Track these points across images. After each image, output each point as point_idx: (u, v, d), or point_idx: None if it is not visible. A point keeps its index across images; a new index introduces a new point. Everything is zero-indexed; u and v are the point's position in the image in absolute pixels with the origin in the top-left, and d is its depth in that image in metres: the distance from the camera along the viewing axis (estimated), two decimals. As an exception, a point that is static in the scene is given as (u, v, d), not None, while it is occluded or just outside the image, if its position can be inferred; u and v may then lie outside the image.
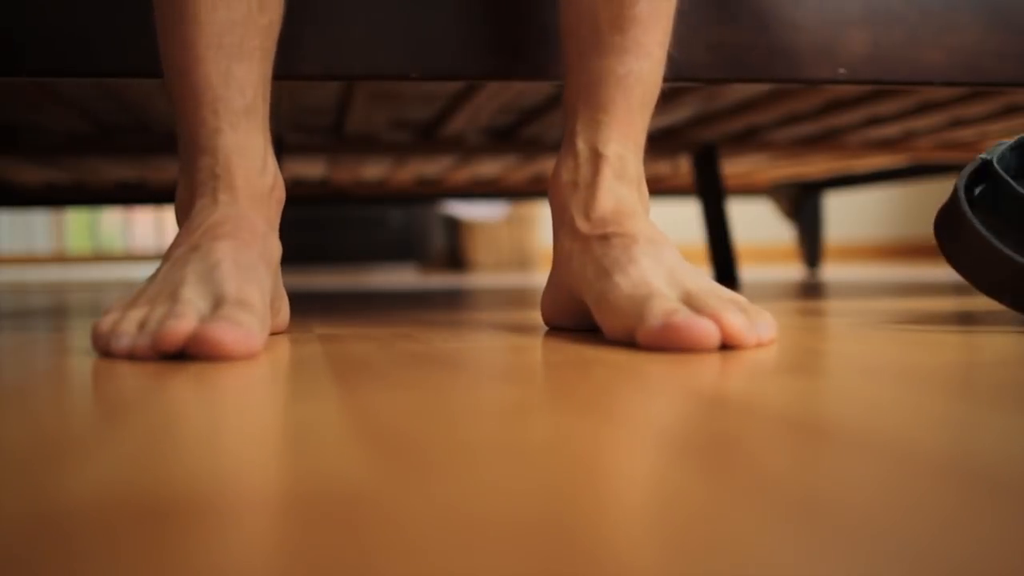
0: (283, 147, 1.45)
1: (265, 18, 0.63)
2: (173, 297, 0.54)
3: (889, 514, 0.20)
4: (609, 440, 0.28)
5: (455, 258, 3.71)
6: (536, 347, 0.56)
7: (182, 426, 0.32)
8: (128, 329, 0.53)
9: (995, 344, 0.53)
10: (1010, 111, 1.33)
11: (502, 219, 3.60)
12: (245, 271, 0.57)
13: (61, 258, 3.65)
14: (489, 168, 1.82)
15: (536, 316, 0.84)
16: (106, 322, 0.55)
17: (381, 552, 0.18)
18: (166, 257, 0.59)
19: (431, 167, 1.77)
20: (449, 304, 1.10)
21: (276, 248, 0.64)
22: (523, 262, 3.62)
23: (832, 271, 2.34)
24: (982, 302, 0.93)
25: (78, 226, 4.13)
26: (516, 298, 1.22)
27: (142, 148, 1.41)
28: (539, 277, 2.32)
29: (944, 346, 0.53)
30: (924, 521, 0.19)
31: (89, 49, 0.75)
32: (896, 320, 0.72)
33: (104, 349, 0.54)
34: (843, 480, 0.23)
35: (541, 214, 3.69)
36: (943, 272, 2.07)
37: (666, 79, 0.83)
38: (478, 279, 2.33)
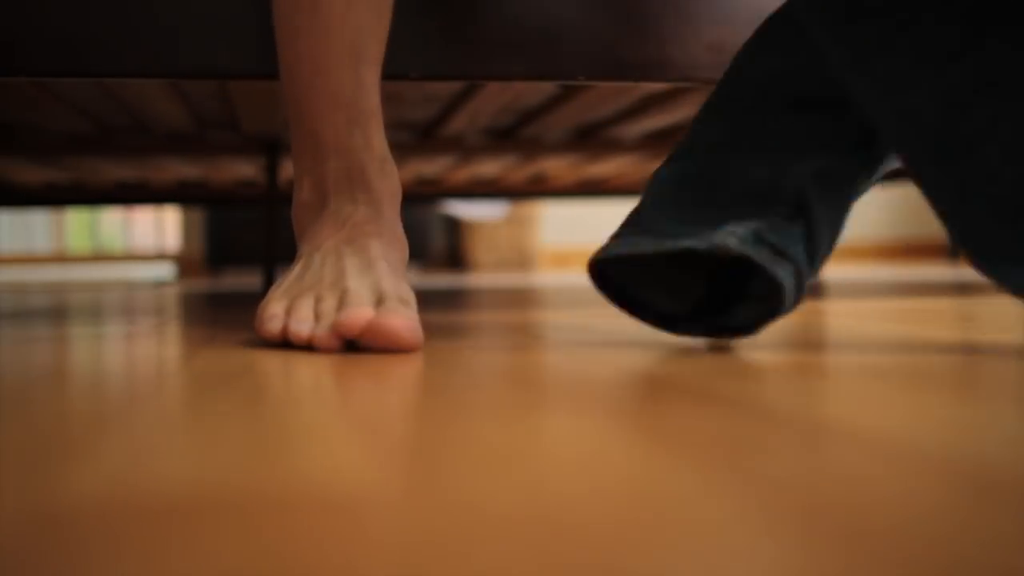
0: (282, 148, 1.45)
1: (382, 26, 0.66)
2: (340, 287, 0.56)
3: (889, 514, 0.20)
4: (610, 440, 0.28)
5: (455, 258, 3.71)
6: (537, 347, 0.56)
7: (181, 426, 0.32)
8: (307, 316, 0.55)
9: (995, 344, 0.53)
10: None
11: (502, 219, 3.60)
12: (396, 270, 0.60)
13: (61, 258, 3.66)
14: (489, 168, 1.82)
15: (538, 316, 0.84)
16: (276, 308, 0.57)
17: (381, 552, 0.18)
18: (313, 247, 0.61)
19: (431, 167, 1.77)
20: (449, 303, 1.10)
21: (407, 247, 0.66)
22: (523, 262, 3.62)
23: (832, 271, 2.34)
24: (982, 302, 0.93)
25: (78, 226, 4.13)
26: (517, 298, 1.22)
27: (142, 148, 1.41)
28: (540, 277, 2.32)
29: (944, 346, 0.53)
30: (924, 521, 0.19)
31: (89, 49, 0.75)
32: (896, 319, 0.72)
33: (275, 334, 0.56)
34: (842, 480, 0.23)
35: (541, 214, 3.69)
36: (943, 272, 2.07)
37: (666, 79, 0.84)
38: (478, 279, 2.33)
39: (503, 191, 2.09)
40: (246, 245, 3.31)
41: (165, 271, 3.59)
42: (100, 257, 3.65)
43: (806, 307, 0.91)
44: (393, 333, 0.52)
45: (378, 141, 0.65)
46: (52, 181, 1.83)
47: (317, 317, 0.55)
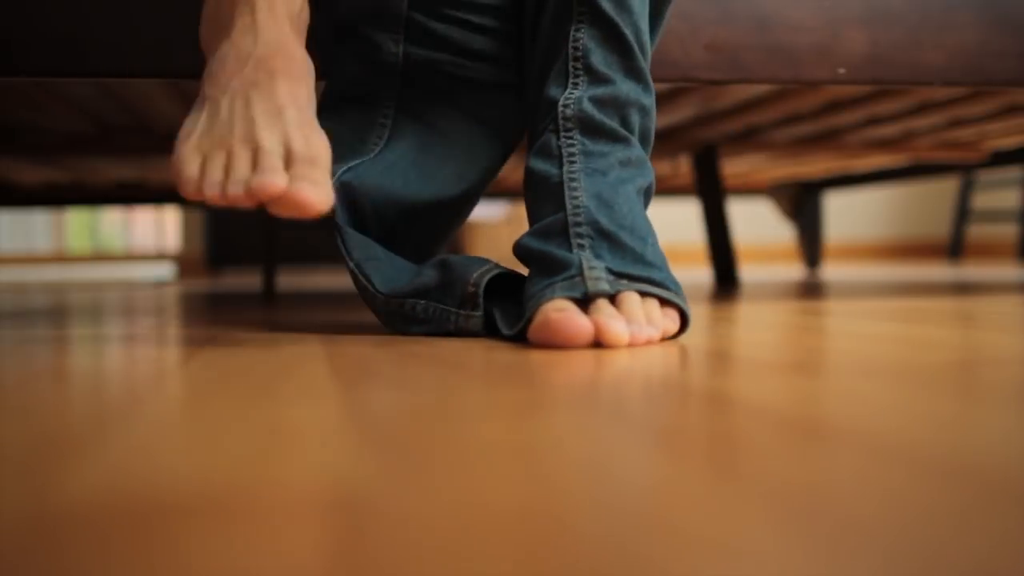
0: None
1: None
2: (252, 141, 0.57)
3: (888, 514, 0.20)
4: (610, 440, 0.28)
5: (455, 258, 3.70)
6: (536, 347, 0.56)
7: (181, 426, 0.32)
8: (218, 178, 0.57)
9: (995, 344, 0.53)
10: (1010, 111, 1.33)
11: (502, 219, 3.60)
12: (307, 116, 0.61)
13: (61, 258, 3.66)
14: (489, 168, 1.81)
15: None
16: (191, 170, 0.58)
17: (380, 552, 0.18)
18: (218, 89, 0.61)
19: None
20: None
21: (312, 69, 0.66)
22: (523, 262, 3.62)
23: (832, 271, 2.34)
24: (982, 302, 0.93)
25: (78, 226, 4.14)
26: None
27: (142, 148, 1.41)
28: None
29: (944, 346, 0.53)
30: (923, 521, 0.19)
31: (89, 49, 0.75)
32: (896, 319, 0.72)
33: (194, 193, 0.57)
34: (843, 480, 0.23)
35: (541, 214, 3.68)
36: (943, 272, 2.07)
37: (666, 79, 0.83)
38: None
39: (503, 191, 2.09)
40: (246, 245, 3.31)
41: (165, 271, 3.59)
42: (100, 257, 3.65)
43: (806, 307, 0.91)
44: (302, 204, 0.55)
45: None
46: (52, 181, 1.83)
47: (228, 173, 0.57)
